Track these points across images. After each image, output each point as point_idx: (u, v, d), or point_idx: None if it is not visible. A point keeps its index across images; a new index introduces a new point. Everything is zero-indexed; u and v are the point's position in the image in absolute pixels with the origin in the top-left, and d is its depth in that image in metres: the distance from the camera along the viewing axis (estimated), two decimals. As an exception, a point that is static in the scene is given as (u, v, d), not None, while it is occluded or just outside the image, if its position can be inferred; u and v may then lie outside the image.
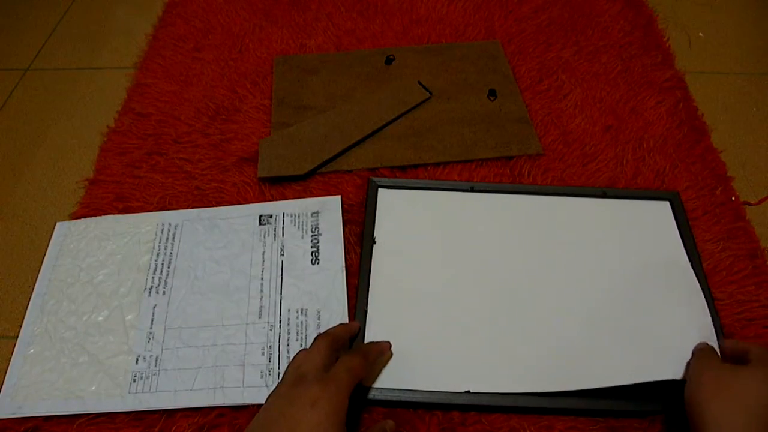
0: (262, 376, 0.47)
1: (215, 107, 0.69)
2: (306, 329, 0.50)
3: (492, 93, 0.69)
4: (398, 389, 0.46)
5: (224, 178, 0.62)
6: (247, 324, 0.51)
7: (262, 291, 0.53)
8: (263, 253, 0.55)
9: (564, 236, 0.55)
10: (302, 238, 0.56)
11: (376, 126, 0.65)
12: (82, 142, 0.69)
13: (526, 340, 0.48)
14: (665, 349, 0.47)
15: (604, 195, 0.58)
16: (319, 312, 0.51)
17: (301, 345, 0.49)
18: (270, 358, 0.49)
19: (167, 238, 0.56)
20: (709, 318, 0.49)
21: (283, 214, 0.58)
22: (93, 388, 0.47)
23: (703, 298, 0.50)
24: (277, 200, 0.59)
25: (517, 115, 0.67)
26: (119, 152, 0.65)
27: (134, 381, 0.48)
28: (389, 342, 0.48)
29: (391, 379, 0.46)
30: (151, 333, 0.50)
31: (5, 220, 0.63)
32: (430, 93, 0.69)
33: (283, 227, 0.57)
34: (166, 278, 0.54)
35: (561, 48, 0.75)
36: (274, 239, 0.56)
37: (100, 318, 0.51)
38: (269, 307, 0.52)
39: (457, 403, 0.45)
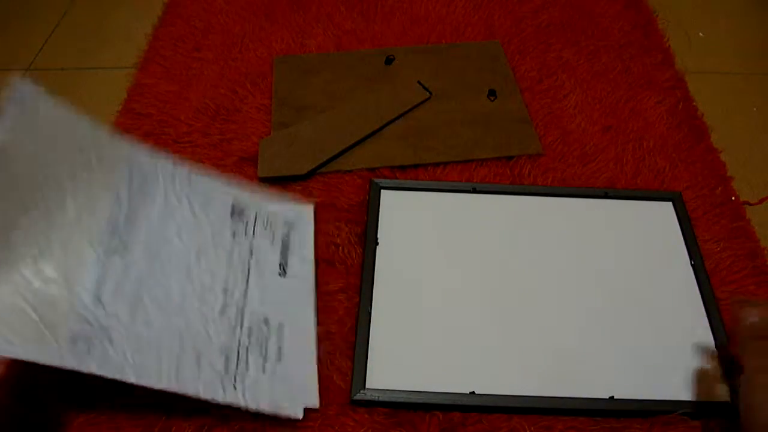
0: (218, 377, 0.44)
1: (215, 107, 0.69)
2: (267, 342, 0.47)
3: (492, 93, 0.69)
4: (402, 390, 0.46)
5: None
6: (207, 318, 0.46)
7: (226, 287, 0.48)
8: (232, 247, 0.51)
9: (566, 237, 0.55)
10: (272, 244, 0.52)
11: (376, 126, 0.65)
12: (82, 142, 0.69)
13: (530, 341, 0.48)
14: (666, 355, 0.47)
15: (605, 196, 0.58)
16: (281, 325, 0.48)
17: (262, 358, 0.46)
18: (227, 360, 0.45)
19: (137, 190, 0.49)
20: (706, 321, 0.49)
21: (256, 215, 0.53)
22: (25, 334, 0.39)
23: (701, 303, 0.50)
24: (254, 189, 0.55)
25: (517, 115, 0.67)
26: (119, 152, 0.65)
27: (73, 342, 0.41)
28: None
29: (394, 380, 0.46)
30: (98, 295, 0.43)
31: (5, 220, 0.63)
32: (430, 93, 0.69)
33: (254, 227, 0.53)
34: (127, 236, 0.46)
35: (561, 48, 0.75)
36: (245, 236, 0.52)
37: (45, 246, 0.42)
38: (232, 307, 0.48)
39: (461, 404, 0.45)
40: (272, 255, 0.51)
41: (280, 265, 0.51)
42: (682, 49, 0.78)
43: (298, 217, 0.55)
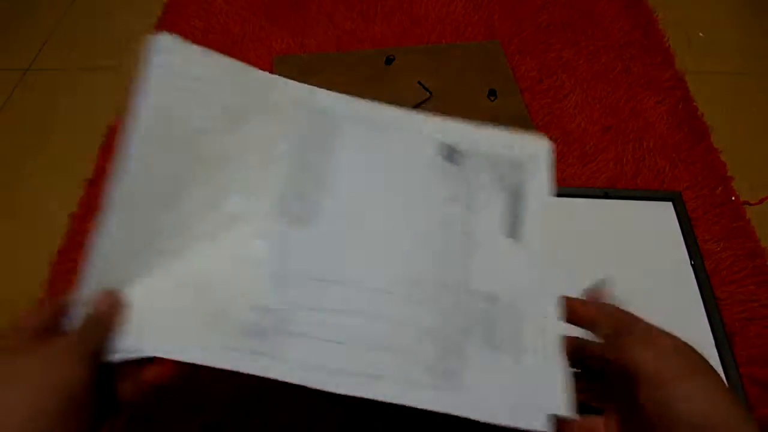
0: (429, 375, 0.33)
1: (215, 107, 0.69)
2: (494, 326, 0.35)
3: (492, 93, 0.69)
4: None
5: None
6: (414, 298, 0.35)
7: (439, 255, 0.36)
8: (445, 202, 0.38)
9: (567, 238, 0.55)
10: (497, 193, 0.38)
11: (376, 126, 0.65)
12: (82, 142, 0.69)
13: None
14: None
15: (606, 196, 0.58)
16: (513, 305, 0.35)
17: (490, 349, 0.34)
18: (443, 353, 0.34)
19: (318, 141, 0.38)
20: (706, 321, 0.49)
21: (473, 156, 0.39)
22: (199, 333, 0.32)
23: (701, 303, 0.50)
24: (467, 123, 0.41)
25: (517, 115, 0.67)
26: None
27: (246, 336, 0.33)
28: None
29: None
30: (277, 278, 0.35)
31: (5, 221, 0.63)
32: (430, 93, 0.69)
33: (472, 172, 0.39)
34: (311, 200, 0.37)
35: (561, 48, 0.75)
36: (460, 185, 0.38)
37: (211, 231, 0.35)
38: (447, 282, 0.36)
39: None
40: (498, 209, 0.38)
41: (509, 223, 0.38)
42: (682, 49, 0.77)
43: (531, 157, 0.41)
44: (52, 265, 0.56)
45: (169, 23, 0.80)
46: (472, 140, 0.40)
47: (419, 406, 0.32)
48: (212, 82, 0.37)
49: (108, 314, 0.32)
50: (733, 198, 0.60)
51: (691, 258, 0.53)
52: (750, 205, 0.61)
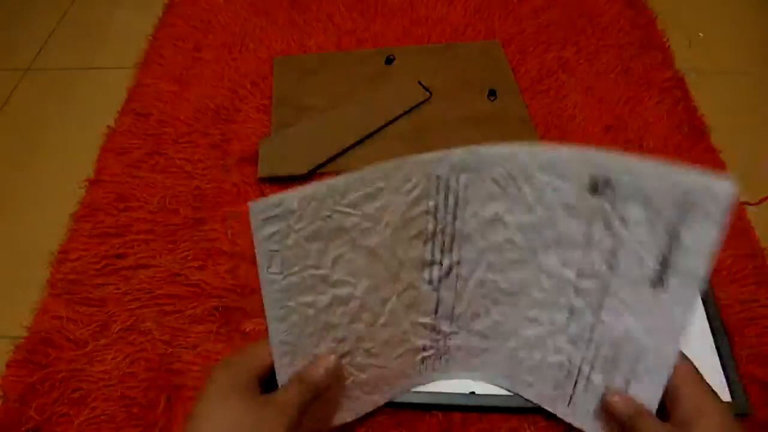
0: (554, 388, 0.41)
1: (215, 107, 0.69)
2: (616, 366, 0.37)
3: (492, 93, 0.69)
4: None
5: (224, 178, 0.62)
6: (553, 331, 0.39)
7: (576, 296, 0.37)
8: (586, 242, 0.35)
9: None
10: (651, 240, 0.33)
11: (376, 126, 0.65)
12: (82, 142, 0.69)
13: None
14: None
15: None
16: (637, 355, 0.36)
17: (603, 380, 0.38)
18: (568, 376, 0.40)
19: (444, 200, 0.37)
20: (706, 322, 0.49)
21: (628, 189, 0.32)
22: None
23: (701, 303, 0.50)
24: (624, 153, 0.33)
25: (517, 115, 0.67)
26: (119, 152, 0.65)
27: (422, 363, 0.44)
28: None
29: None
30: (433, 325, 0.43)
31: (4, 221, 0.63)
32: (430, 93, 0.69)
33: (626, 209, 0.33)
34: (450, 259, 0.39)
35: (561, 48, 0.75)
36: (608, 227, 0.34)
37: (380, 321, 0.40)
38: (579, 320, 0.38)
39: (461, 404, 0.45)
40: (648, 255, 0.33)
41: (656, 272, 0.33)
42: (682, 49, 0.77)
43: (703, 198, 0.30)
44: (53, 265, 0.56)
45: (169, 23, 0.80)
46: (630, 169, 0.32)
47: (553, 411, 0.42)
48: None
49: (327, 378, 0.37)
50: (733, 198, 0.60)
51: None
52: (750, 205, 0.60)
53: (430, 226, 0.38)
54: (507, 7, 0.81)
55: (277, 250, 0.34)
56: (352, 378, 0.41)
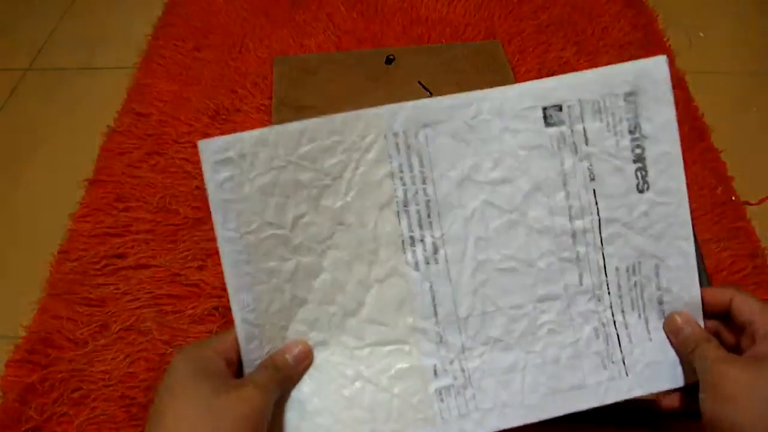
0: (604, 367, 0.35)
1: (215, 107, 0.69)
2: (643, 293, 0.35)
3: (492, 93, 0.69)
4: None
5: (224, 178, 0.62)
6: (569, 298, 0.35)
7: (574, 244, 0.34)
8: (563, 179, 0.34)
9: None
10: (616, 144, 0.33)
11: (376, 126, 0.65)
12: (82, 142, 0.69)
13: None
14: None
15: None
16: (657, 267, 0.34)
17: (639, 316, 0.35)
18: (607, 340, 0.35)
19: (408, 161, 0.34)
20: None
21: (579, 101, 0.33)
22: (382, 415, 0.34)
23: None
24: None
25: (517, 115, 0.67)
26: (119, 152, 0.65)
27: (441, 400, 0.34)
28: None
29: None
30: (438, 333, 0.34)
31: (4, 221, 0.63)
32: (430, 93, 0.69)
33: (583, 127, 0.33)
34: (432, 235, 0.34)
35: (561, 48, 0.75)
36: (574, 151, 0.34)
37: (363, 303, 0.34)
38: (589, 268, 0.35)
39: None
40: (620, 161, 0.34)
41: (636, 173, 0.34)
42: (682, 49, 0.77)
43: (645, 83, 0.35)
44: (53, 265, 0.56)
45: (169, 23, 0.80)
46: (574, 86, 0.33)
47: (614, 401, 0.34)
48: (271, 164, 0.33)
49: (297, 367, 0.33)
50: (733, 198, 0.60)
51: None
52: (750, 205, 0.61)
53: (399, 193, 0.33)
54: (507, 7, 0.81)
55: (231, 200, 0.32)
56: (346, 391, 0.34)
